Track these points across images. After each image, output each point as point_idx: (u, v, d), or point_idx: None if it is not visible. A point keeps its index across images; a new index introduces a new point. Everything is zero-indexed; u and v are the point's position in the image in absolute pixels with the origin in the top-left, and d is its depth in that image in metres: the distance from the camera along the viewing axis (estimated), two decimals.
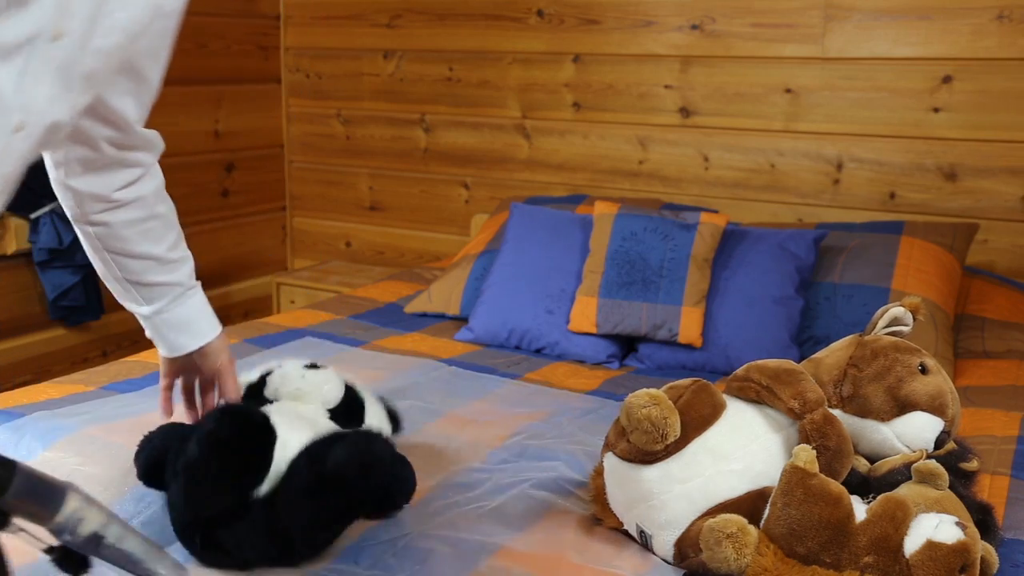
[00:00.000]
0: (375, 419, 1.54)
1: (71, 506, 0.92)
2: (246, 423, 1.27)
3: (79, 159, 1.30)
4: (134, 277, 1.39)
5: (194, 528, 1.27)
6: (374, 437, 1.33)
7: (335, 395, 1.47)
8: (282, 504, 1.26)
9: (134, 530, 0.96)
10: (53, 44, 0.98)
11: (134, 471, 1.50)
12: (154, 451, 1.36)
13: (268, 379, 1.48)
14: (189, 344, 1.42)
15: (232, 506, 1.26)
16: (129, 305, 1.42)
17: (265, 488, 1.28)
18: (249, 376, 1.51)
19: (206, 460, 1.24)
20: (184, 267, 1.42)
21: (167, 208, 1.40)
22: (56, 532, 0.93)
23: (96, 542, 0.93)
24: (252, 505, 1.27)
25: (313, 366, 1.53)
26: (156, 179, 1.38)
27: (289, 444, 1.30)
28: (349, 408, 1.49)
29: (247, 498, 1.27)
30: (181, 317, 1.41)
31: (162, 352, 1.45)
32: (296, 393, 1.43)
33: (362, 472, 1.27)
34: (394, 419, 1.63)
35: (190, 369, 1.46)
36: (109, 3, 1.02)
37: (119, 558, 0.94)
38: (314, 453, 1.27)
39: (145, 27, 1.10)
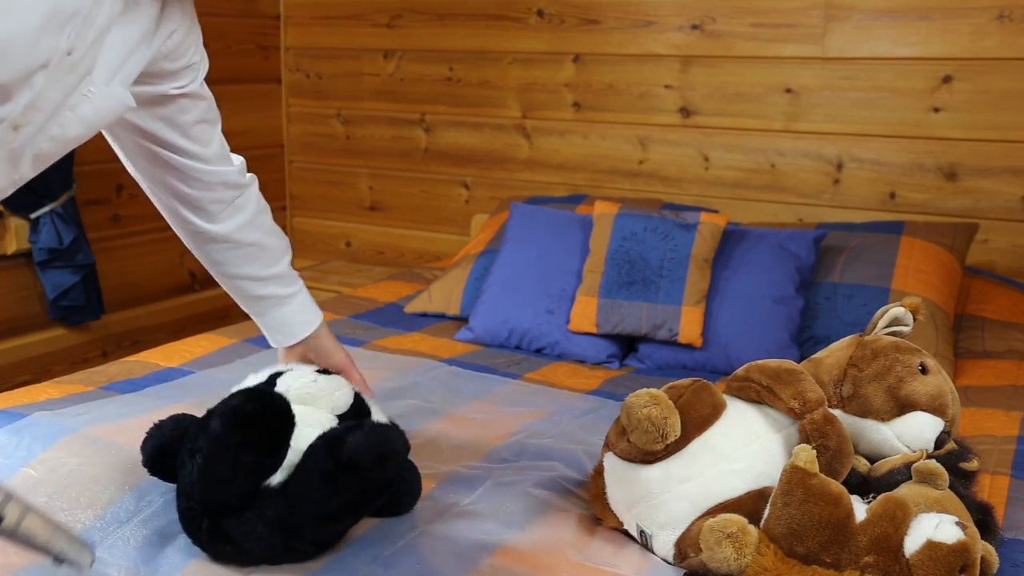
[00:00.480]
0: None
1: None
2: (270, 403, 1.29)
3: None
4: (234, 290, 1.60)
5: (202, 515, 1.26)
6: (392, 429, 1.34)
7: (345, 401, 1.46)
8: (296, 487, 1.26)
9: (36, 509, 0.99)
10: (12, 133, 1.02)
11: (134, 471, 1.50)
12: (163, 438, 1.36)
13: (278, 380, 1.47)
14: (284, 341, 1.63)
15: (246, 490, 1.26)
16: (240, 304, 1.63)
17: (278, 478, 1.29)
18: (258, 378, 1.51)
19: (228, 435, 1.25)
20: (277, 282, 1.59)
21: (260, 235, 1.55)
22: None
23: None
24: (263, 494, 1.27)
25: (325, 372, 1.54)
26: (246, 210, 1.52)
27: (303, 436, 1.31)
28: (358, 415, 1.47)
29: (259, 486, 1.27)
30: (277, 320, 1.61)
31: (269, 341, 1.66)
32: (306, 397, 1.42)
33: (378, 462, 1.27)
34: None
35: (306, 359, 1.65)
36: (74, 97, 1.06)
37: (21, 538, 0.98)
38: (332, 438, 1.29)
39: (114, 120, 1.17)
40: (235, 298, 1.61)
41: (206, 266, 1.58)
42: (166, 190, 1.45)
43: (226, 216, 1.49)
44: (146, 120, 1.32)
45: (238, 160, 1.52)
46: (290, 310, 1.61)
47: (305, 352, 1.64)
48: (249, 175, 1.54)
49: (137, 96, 1.21)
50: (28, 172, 1.12)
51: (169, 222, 1.53)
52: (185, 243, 1.55)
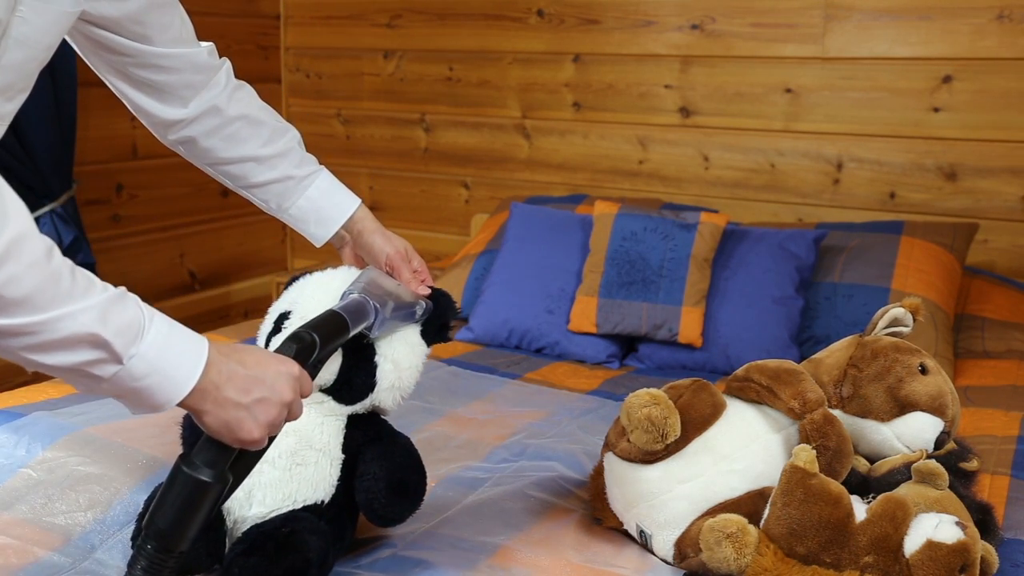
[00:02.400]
0: (393, 364, 1.33)
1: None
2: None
3: (135, 84, 1.33)
4: (242, 183, 1.42)
5: None
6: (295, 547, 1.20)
7: (327, 378, 1.31)
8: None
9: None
10: None
11: (134, 471, 1.50)
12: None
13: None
14: (322, 233, 1.45)
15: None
16: (262, 205, 1.45)
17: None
18: (264, 327, 1.42)
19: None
20: (286, 160, 1.42)
21: (246, 107, 1.40)
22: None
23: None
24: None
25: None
26: (220, 87, 1.37)
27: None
28: (352, 377, 1.31)
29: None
30: (304, 209, 1.43)
31: (313, 242, 1.48)
32: None
33: None
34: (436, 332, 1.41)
35: (362, 262, 1.46)
36: (11, 25, 1.01)
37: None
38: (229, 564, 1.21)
39: (61, 33, 1.11)
40: (250, 196, 1.44)
41: (205, 167, 1.41)
42: (129, 82, 1.32)
43: (199, 98, 1.35)
44: (95, 7, 1.20)
45: (206, 44, 1.38)
46: (315, 192, 1.43)
47: (355, 250, 1.47)
48: (222, 59, 1.39)
49: None
50: (7, 106, 1.10)
51: (145, 122, 1.38)
52: (169, 144, 1.40)
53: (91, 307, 0.90)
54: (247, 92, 1.42)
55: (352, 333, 1.19)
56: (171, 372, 0.94)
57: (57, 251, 0.90)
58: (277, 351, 1.08)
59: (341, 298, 1.24)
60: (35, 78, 1.12)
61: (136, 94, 1.33)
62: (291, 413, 1.04)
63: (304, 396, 1.06)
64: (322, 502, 1.27)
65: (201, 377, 0.95)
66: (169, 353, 0.94)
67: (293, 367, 1.04)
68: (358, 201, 1.47)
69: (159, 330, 0.94)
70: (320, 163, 1.48)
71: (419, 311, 1.34)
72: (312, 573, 1.20)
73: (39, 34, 1.07)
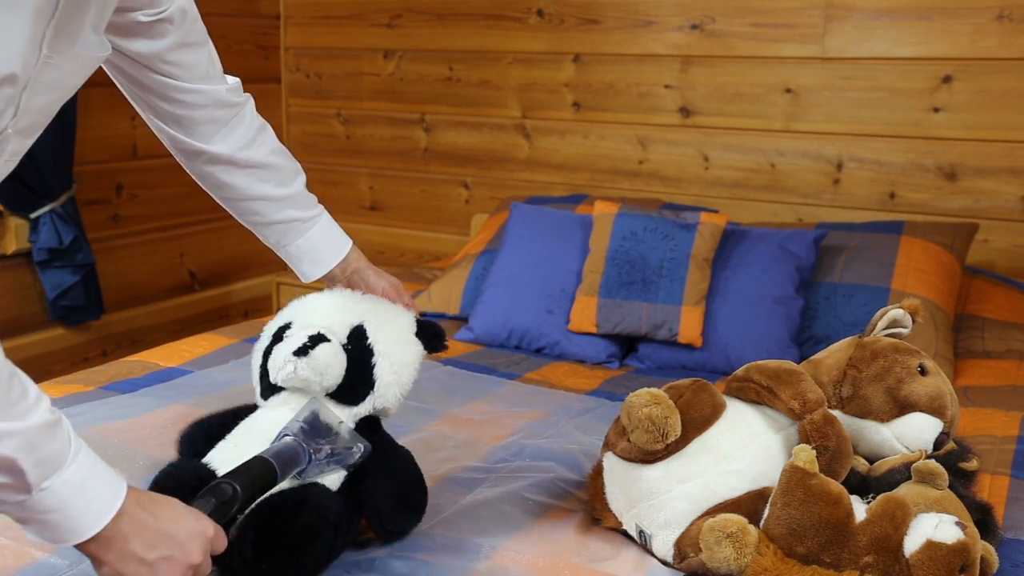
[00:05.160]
0: (388, 375, 1.37)
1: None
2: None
3: (165, 116, 1.35)
4: (251, 219, 1.47)
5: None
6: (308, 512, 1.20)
7: (333, 381, 1.33)
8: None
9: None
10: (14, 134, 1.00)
11: (134, 471, 1.50)
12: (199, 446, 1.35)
13: (270, 360, 1.35)
14: (313, 272, 1.51)
15: None
16: (261, 237, 1.51)
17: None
18: (263, 338, 1.42)
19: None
20: (296, 203, 1.47)
21: (267, 151, 1.44)
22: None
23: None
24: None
25: (316, 339, 1.32)
26: (245, 126, 1.41)
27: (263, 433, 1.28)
28: (354, 378, 1.34)
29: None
30: (303, 248, 1.49)
31: (300, 277, 1.54)
32: (292, 380, 1.32)
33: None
34: (433, 336, 1.46)
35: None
36: (39, 68, 1.00)
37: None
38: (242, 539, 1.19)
39: (87, 75, 1.12)
40: (253, 229, 1.49)
41: (218, 198, 1.45)
42: (152, 112, 1.34)
43: (222, 137, 1.38)
44: (124, 45, 1.23)
45: (232, 80, 1.41)
46: (315, 234, 1.49)
47: (349, 286, 1.51)
48: (245, 95, 1.43)
49: (108, 26, 1.13)
50: (18, 146, 1.10)
51: (167, 147, 1.41)
52: (189, 171, 1.43)
53: (21, 432, 0.86)
54: (269, 133, 1.46)
55: (280, 483, 1.19)
56: (79, 512, 0.91)
57: (1, 353, 0.87)
58: (196, 504, 1.05)
59: (276, 438, 1.24)
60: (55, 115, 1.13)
61: (160, 124, 1.36)
62: (196, 574, 1.01)
63: (215, 554, 1.03)
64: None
65: (109, 525, 0.92)
66: (83, 494, 0.91)
67: (208, 528, 1.02)
68: (351, 242, 1.53)
69: (80, 467, 0.92)
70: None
71: (355, 456, 1.30)
72: (328, 535, 1.20)
73: (68, 78, 1.07)
